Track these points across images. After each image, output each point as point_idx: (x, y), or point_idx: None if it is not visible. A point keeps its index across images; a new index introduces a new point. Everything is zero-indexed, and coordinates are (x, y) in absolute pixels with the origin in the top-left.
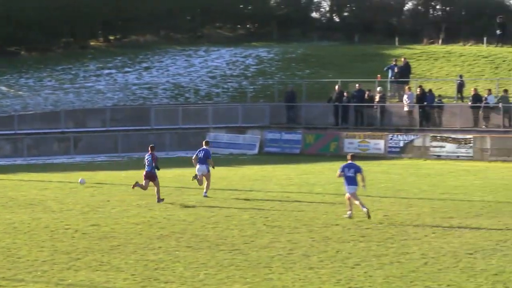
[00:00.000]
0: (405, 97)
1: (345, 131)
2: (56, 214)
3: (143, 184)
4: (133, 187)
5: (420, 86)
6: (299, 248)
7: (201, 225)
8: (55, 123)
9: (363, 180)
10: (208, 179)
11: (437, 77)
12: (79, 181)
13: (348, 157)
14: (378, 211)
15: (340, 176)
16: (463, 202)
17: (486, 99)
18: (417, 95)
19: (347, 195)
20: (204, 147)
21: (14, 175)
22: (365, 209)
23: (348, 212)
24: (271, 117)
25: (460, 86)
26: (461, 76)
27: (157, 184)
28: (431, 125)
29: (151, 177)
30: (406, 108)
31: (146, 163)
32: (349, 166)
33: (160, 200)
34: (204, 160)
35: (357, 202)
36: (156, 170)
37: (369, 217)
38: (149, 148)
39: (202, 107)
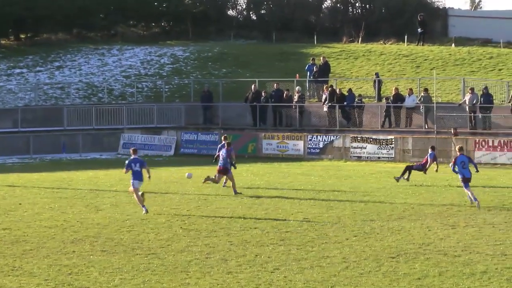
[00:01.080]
0: (323, 97)
1: (263, 131)
2: None
3: (215, 178)
4: (204, 182)
5: (331, 86)
6: (217, 252)
7: (116, 228)
8: None
9: (148, 172)
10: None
11: (357, 77)
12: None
13: (131, 151)
14: (298, 214)
15: (127, 171)
16: (385, 204)
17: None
18: (332, 95)
19: (131, 188)
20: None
21: None
22: (144, 209)
23: (144, 209)
24: (187, 118)
25: (378, 85)
26: (377, 74)
27: (231, 178)
28: (352, 125)
29: (225, 171)
30: (325, 109)
31: (220, 158)
32: (134, 161)
33: (236, 193)
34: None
35: (140, 196)
36: (232, 167)
37: (146, 212)
38: (225, 144)
39: (116, 107)
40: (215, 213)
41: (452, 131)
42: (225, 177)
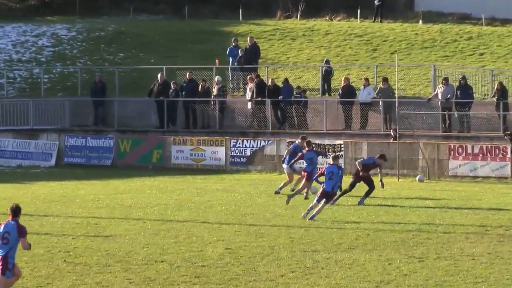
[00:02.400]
0: (248, 89)
1: (173, 135)
2: None
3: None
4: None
5: (258, 76)
6: None
7: None
8: None
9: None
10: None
11: (295, 63)
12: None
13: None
14: (217, 243)
15: None
16: (332, 230)
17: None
18: (260, 87)
19: None
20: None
21: None
22: None
23: None
24: (73, 117)
25: (327, 75)
26: (327, 62)
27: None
28: (288, 127)
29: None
30: (249, 106)
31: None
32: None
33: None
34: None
35: None
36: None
37: None
38: (305, 144)
39: None
40: (109, 241)
41: (392, 133)
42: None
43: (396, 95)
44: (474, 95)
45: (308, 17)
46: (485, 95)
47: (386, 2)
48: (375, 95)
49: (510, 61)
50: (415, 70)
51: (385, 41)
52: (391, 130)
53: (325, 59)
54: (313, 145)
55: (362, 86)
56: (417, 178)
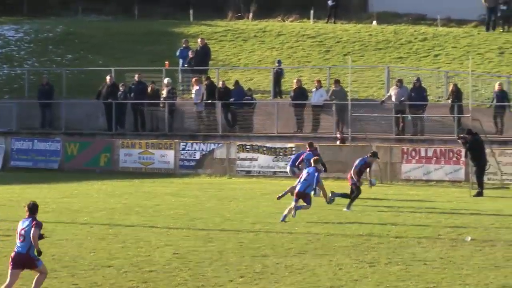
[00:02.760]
0: (194, 92)
1: (121, 138)
2: None
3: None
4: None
5: (208, 78)
6: None
7: None
8: None
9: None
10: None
11: (246, 65)
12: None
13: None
14: (166, 248)
15: None
16: (282, 234)
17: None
18: (211, 89)
19: None
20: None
21: None
22: None
23: None
24: (20, 120)
25: (278, 76)
26: (279, 62)
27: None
28: (239, 130)
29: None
30: (197, 108)
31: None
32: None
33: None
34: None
35: None
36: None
37: None
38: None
39: None
40: (56, 246)
41: (338, 136)
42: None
43: (349, 98)
44: (428, 97)
45: (260, 18)
46: (439, 97)
47: (339, 3)
48: (327, 97)
49: (465, 63)
50: (369, 72)
51: (338, 42)
52: (338, 133)
53: (277, 60)
54: (315, 147)
55: (314, 88)
56: (369, 181)
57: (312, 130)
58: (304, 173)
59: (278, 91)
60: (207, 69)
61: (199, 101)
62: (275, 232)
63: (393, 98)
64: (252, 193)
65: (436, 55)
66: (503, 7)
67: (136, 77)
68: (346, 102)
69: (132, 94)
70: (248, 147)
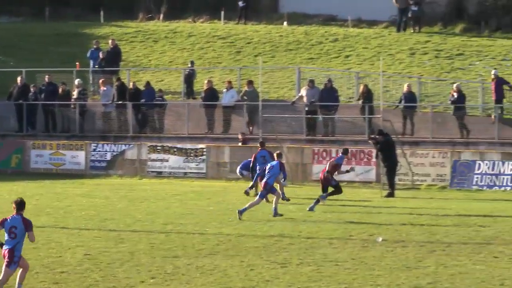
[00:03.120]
0: (101, 93)
1: (32, 139)
2: None
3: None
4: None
5: (119, 79)
6: None
7: None
8: None
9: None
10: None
11: (157, 66)
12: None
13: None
14: (77, 248)
15: None
16: (194, 235)
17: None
18: (121, 90)
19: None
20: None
21: None
22: None
23: None
24: None
25: (190, 77)
26: (192, 63)
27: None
28: (150, 131)
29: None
30: (103, 109)
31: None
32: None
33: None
34: None
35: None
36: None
37: None
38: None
39: None
40: None
41: (240, 137)
42: None
43: (260, 98)
44: (339, 98)
45: (171, 19)
46: (350, 98)
47: (250, 4)
48: (239, 98)
49: (376, 64)
50: (280, 72)
51: (249, 43)
52: (239, 134)
53: (190, 61)
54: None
55: (225, 89)
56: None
57: (223, 131)
58: (267, 167)
59: (190, 92)
60: (118, 70)
61: (110, 102)
62: (186, 233)
63: (304, 99)
64: (163, 194)
65: (347, 56)
66: (414, 8)
67: (46, 78)
68: (257, 103)
69: (43, 95)
70: (159, 148)
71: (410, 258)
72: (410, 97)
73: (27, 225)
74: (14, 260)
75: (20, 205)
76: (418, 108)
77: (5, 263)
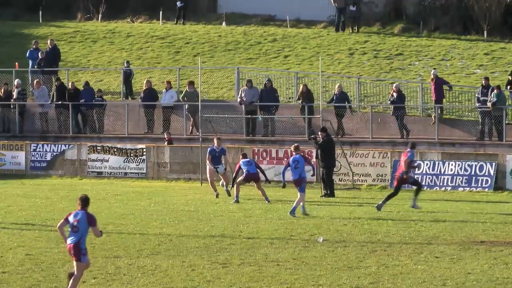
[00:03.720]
0: (35, 94)
1: None
2: None
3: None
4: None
5: (58, 79)
6: None
7: None
8: None
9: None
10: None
11: (96, 66)
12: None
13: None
14: (18, 249)
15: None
16: (135, 236)
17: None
18: (60, 90)
19: None
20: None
21: None
22: None
23: None
24: None
25: (127, 77)
26: (128, 63)
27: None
28: (89, 131)
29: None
30: (41, 109)
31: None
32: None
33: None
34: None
35: None
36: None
37: None
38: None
39: None
40: None
41: (166, 137)
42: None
43: (199, 99)
44: (279, 98)
45: (109, 19)
46: (290, 98)
47: (188, 4)
48: (178, 98)
49: (315, 64)
50: (219, 72)
51: (187, 43)
52: (165, 133)
53: (126, 60)
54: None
55: (164, 89)
56: (220, 183)
57: (162, 131)
58: (293, 163)
59: (128, 92)
60: (57, 70)
61: (49, 102)
62: (127, 233)
63: (244, 99)
64: (104, 194)
65: (286, 56)
66: (352, 8)
67: None
68: (197, 103)
69: None
70: (99, 148)
71: (352, 258)
72: (341, 97)
73: (91, 220)
74: (82, 252)
75: (85, 201)
76: (358, 108)
77: (74, 260)
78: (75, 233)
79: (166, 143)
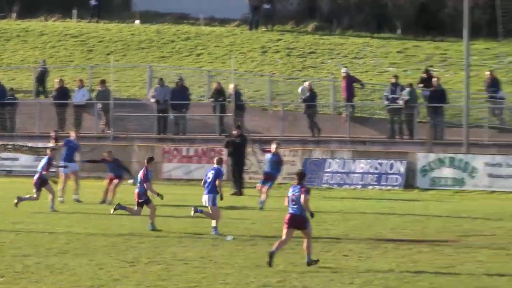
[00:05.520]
0: None
1: None
2: None
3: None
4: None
5: None
6: None
7: None
8: None
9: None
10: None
11: (9, 64)
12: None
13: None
14: None
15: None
16: (43, 234)
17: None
18: None
19: None
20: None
21: None
22: None
23: None
24: None
25: (42, 76)
26: (44, 62)
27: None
28: (0, 129)
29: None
30: None
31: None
32: None
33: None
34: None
35: None
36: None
37: None
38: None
39: None
40: None
41: (52, 135)
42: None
43: (111, 97)
44: (190, 96)
45: (23, 18)
46: (202, 96)
47: (102, 2)
48: (90, 97)
49: (228, 62)
50: (131, 71)
51: (101, 41)
52: (52, 131)
53: (42, 59)
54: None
55: (77, 88)
56: (130, 181)
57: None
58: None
59: (42, 91)
60: None
61: None
62: (36, 232)
63: (156, 97)
64: (14, 193)
65: (198, 54)
66: (266, 6)
67: None
68: (109, 101)
69: None
70: (9, 146)
71: (260, 256)
72: (237, 95)
73: (306, 191)
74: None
75: (301, 176)
76: (269, 106)
77: (285, 226)
78: (294, 206)
79: (52, 141)
